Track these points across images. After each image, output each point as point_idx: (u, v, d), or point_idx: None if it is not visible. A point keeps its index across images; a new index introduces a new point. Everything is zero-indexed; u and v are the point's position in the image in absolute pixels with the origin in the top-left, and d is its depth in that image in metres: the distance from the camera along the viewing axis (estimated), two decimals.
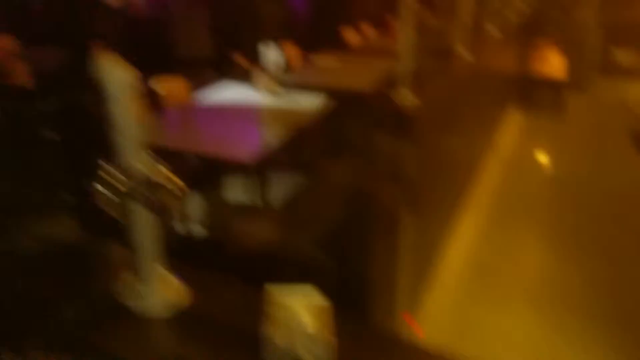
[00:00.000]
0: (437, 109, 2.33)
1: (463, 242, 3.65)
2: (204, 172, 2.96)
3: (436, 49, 3.04)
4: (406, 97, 1.92)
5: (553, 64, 6.97)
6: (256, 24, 4.29)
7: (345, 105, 3.36)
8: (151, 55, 7.28)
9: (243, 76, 3.78)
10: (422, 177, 2.26)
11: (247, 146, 2.59)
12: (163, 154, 0.91)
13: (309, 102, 3.18)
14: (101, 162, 0.83)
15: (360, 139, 2.54)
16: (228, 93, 3.58)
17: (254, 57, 3.92)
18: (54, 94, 4.36)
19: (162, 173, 0.87)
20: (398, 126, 1.86)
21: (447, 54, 2.96)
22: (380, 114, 1.99)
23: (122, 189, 0.82)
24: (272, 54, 3.20)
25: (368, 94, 3.46)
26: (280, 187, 3.35)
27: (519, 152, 5.70)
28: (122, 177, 0.82)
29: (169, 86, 3.32)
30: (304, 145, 3.08)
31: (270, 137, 2.68)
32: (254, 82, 3.30)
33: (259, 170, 2.98)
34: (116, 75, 0.80)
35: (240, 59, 4.05)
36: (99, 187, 0.81)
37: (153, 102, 3.16)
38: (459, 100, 2.90)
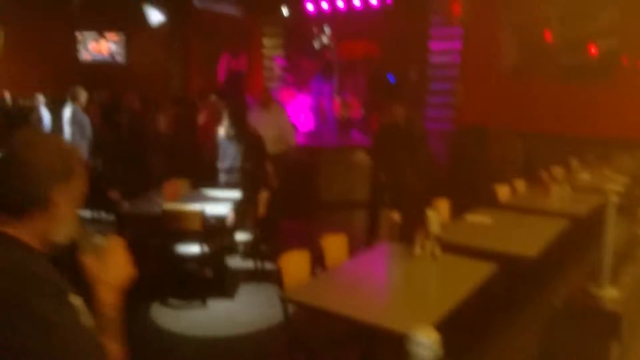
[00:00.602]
0: (632, 298, 2.14)
1: None
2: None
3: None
4: (608, 292, 1.79)
5: None
6: (415, 183, 4.44)
7: (512, 272, 3.22)
8: (304, 198, 7.74)
9: (401, 236, 3.83)
10: None
11: (409, 316, 2.53)
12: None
13: (471, 267, 3.09)
14: None
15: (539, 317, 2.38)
16: (385, 254, 3.58)
17: (413, 218, 3.98)
18: (215, 236, 4.73)
19: None
20: (598, 324, 1.72)
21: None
22: (574, 308, 1.85)
23: None
24: (434, 217, 3.21)
25: (534, 260, 3.29)
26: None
27: None
28: None
29: (331, 243, 3.43)
30: (472, 315, 2.93)
31: (435, 305, 2.61)
32: (414, 244, 3.29)
33: None
34: (425, 343, 0.84)
35: (395, 218, 4.15)
36: None
37: (318, 259, 3.26)
38: None
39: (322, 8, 10.21)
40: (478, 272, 2.99)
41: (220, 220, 4.63)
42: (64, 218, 1.36)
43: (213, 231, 4.58)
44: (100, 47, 13.54)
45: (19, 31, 12.95)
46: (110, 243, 1.46)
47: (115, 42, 13.55)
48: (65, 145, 1.41)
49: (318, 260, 3.28)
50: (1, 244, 1.27)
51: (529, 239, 3.63)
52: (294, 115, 9.80)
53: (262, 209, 5.05)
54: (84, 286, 1.39)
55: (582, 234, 3.93)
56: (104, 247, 1.45)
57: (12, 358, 1.13)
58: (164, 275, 4.74)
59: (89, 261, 1.41)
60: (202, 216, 4.24)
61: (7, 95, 9.91)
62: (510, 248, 3.44)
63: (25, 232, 1.31)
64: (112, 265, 1.43)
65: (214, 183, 5.54)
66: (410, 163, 4.83)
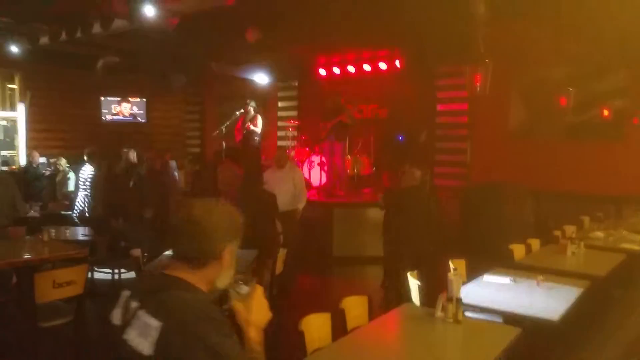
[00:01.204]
0: None
1: None
2: None
3: None
4: None
5: None
6: (431, 244, 4.51)
7: (540, 337, 3.22)
8: (317, 253, 7.78)
9: (420, 297, 3.87)
10: None
11: None
12: None
13: (495, 331, 3.12)
14: None
15: None
16: (406, 317, 3.57)
17: (430, 278, 4.02)
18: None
19: None
20: None
21: None
22: None
23: None
24: (455, 280, 3.27)
25: (557, 323, 3.30)
26: None
27: None
28: None
29: (351, 305, 3.45)
30: None
31: None
32: (435, 306, 3.32)
33: None
34: None
35: (414, 279, 4.18)
36: None
37: (338, 319, 3.29)
38: None
39: (334, 73, 10.72)
40: (503, 336, 2.99)
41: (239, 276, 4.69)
42: (228, 268, 1.71)
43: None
44: (122, 109, 13.97)
45: (44, 94, 13.45)
46: (253, 290, 1.72)
47: (136, 104, 14.00)
48: (233, 211, 1.76)
49: (339, 321, 3.30)
50: (185, 289, 1.62)
51: (550, 301, 3.63)
52: (308, 173, 9.99)
53: (280, 266, 5.13)
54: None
55: (603, 295, 3.95)
56: (248, 294, 1.72)
57: None
58: None
59: (238, 306, 1.70)
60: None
61: (36, 155, 10.18)
62: (531, 311, 3.44)
63: (199, 279, 1.66)
64: (256, 309, 1.70)
65: None
66: (427, 223, 4.93)
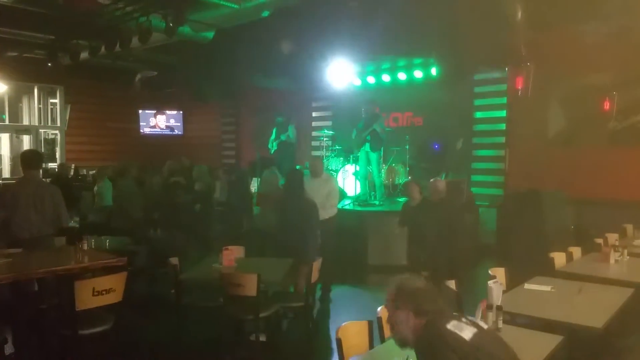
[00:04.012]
0: None
1: None
2: None
3: None
4: None
5: None
6: (467, 252, 4.43)
7: (578, 343, 3.13)
8: (352, 262, 7.68)
9: (455, 305, 3.80)
10: None
11: None
12: None
13: (537, 339, 3.04)
14: None
15: None
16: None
17: (468, 286, 3.95)
18: (273, 302, 4.80)
19: None
20: None
21: None
22: None
23: None
24: (495, 288, 3.20)
25: (600, 331, 3.20)
26: None
27: None
28: None
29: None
30: None
31: None
32: (476, 316, 3.24)
33: None
34: None
35: (452, 287, 4.11)
36: None
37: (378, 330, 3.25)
38: None
39: (368, 82, 10.71)
40: (545, 345, 2.91)
41: (276, 284, 4.71)
42: None
43: (267, 296, 4.64)
44: (158, 122, 14.29)
45: (84, 108, 13.89)
46: None
47: (173, 116, 14.30)
48: None
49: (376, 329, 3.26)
50: None
51: (592, 309, 3.54)
52: (343, 183, 9.98)
53: (315, 274, 5.10)
54: None
55: None
56: None
57: None
58: (220, 339, 4.83)
59: None
60: (257, 281, 4.30)
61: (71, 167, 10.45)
62: (573, 318, 3.36)
63: None
64: None
65: (268, 248, 5.66)
66: (453, 234, 4.87)
